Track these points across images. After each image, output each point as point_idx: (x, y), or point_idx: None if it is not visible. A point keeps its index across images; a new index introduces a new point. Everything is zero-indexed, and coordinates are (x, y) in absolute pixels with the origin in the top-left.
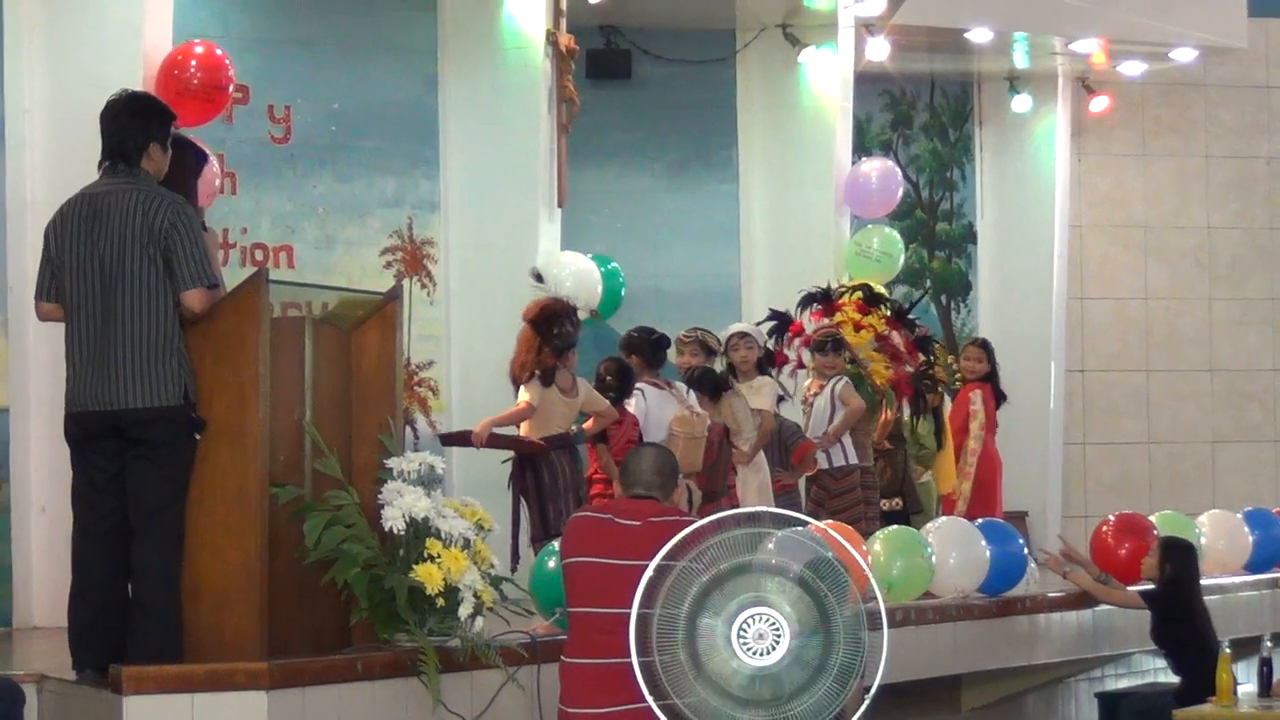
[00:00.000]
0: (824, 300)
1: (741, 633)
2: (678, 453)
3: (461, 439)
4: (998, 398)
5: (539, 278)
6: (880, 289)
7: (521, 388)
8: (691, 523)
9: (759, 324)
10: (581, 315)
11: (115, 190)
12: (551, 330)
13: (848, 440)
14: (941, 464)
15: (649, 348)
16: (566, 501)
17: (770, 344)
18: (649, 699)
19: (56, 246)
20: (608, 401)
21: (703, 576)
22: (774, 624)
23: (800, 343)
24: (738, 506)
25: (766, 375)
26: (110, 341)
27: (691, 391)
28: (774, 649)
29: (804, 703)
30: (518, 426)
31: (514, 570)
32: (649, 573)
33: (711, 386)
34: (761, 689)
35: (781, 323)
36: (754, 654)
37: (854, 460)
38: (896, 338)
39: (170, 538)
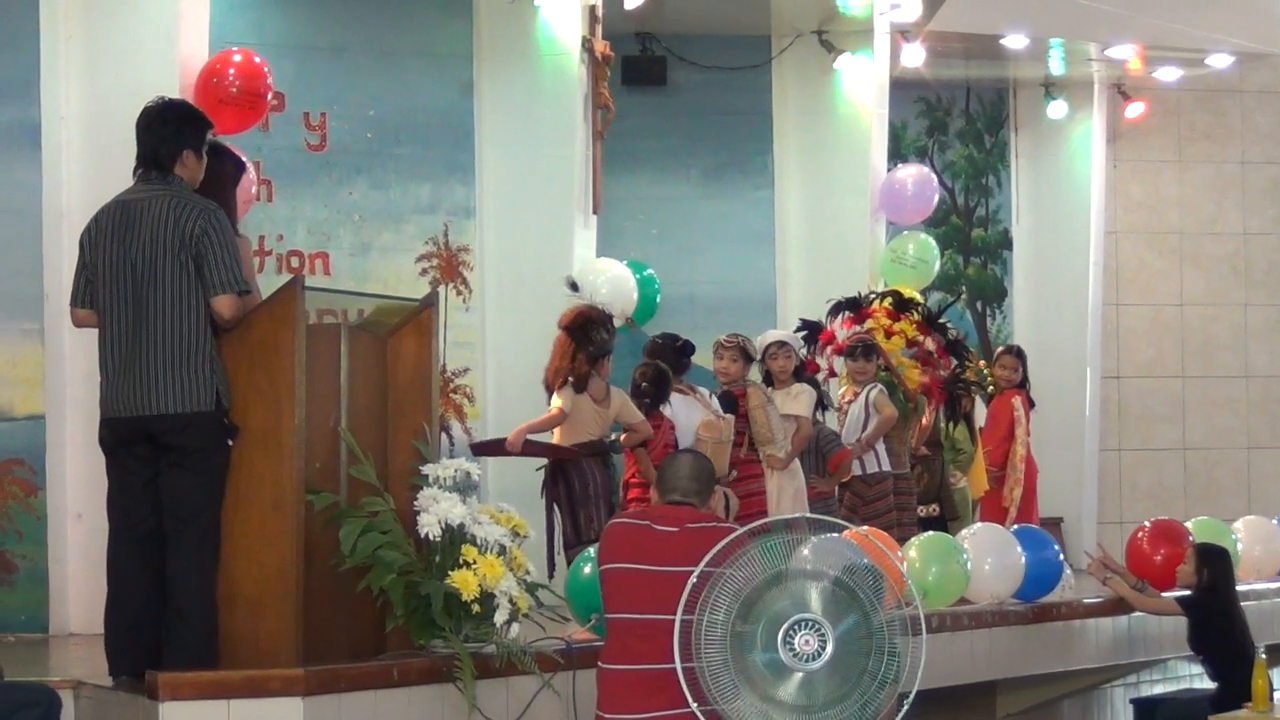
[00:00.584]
0: (853, 308)
1: (788, 638)
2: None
3: (495, 447)
4: (1029, 404)
5: (574, 287)
6: (912, 294)
7: (554, 394)
8: (729, 529)
9: (790, 334)
10: (617, 324)
11: (149, 197)
12: (587, 337)
13: (881, 448)
14: (972, 470)
15: (673, 354)
16: (598, 508)
17: (804, 353)
18: (693, 705)
19: (91, 252)
20: (642, 415)
21: (744, 583)
22: (819, 629)
23: (832, 350)
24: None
25: (805, 383)
26: (142, 347)
27: (715, 397)
28: (818, 655)
29: (844, 709)
30: (551, 433)
31: (550, 577)
32: (692, 580)
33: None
34: (803, 694)
35: (812, 331)
36: (800, 659)
37: (887, 468)
38: (929, 343)
39: (206, 544)
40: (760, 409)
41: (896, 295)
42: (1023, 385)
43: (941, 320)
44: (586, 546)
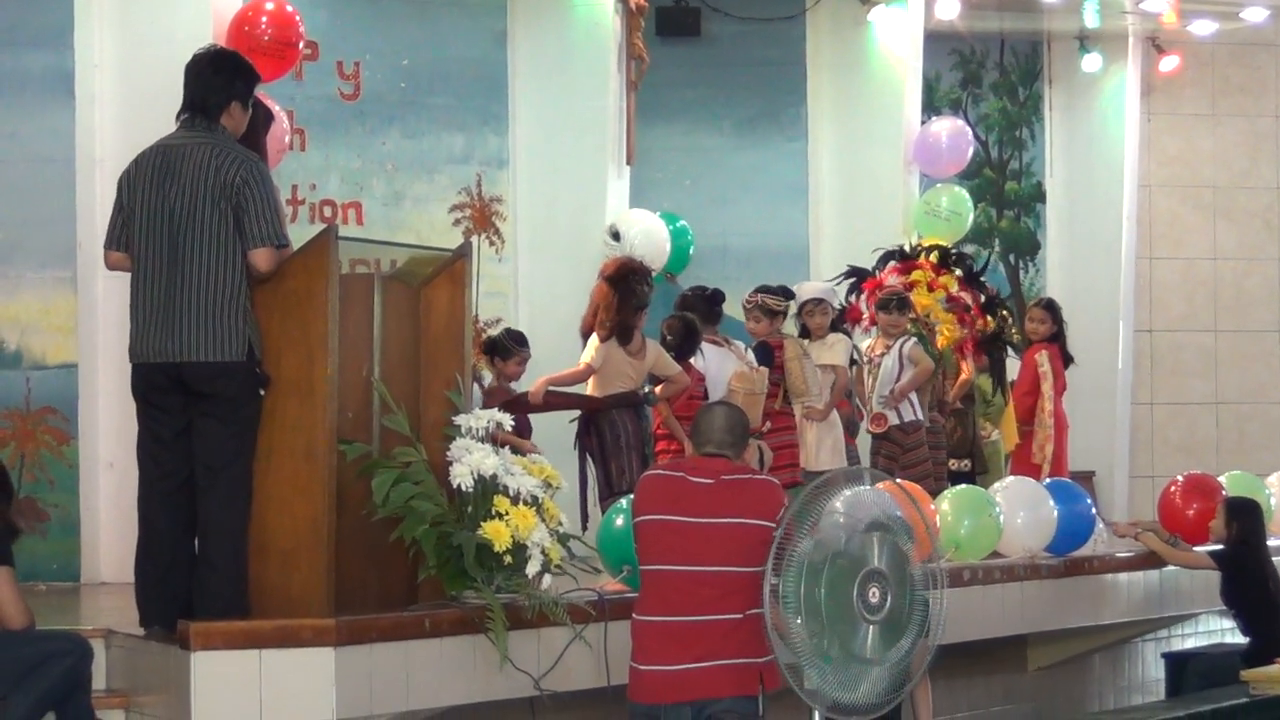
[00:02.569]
0: (903, 258)
1: (861, 591)
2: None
3: (519, 402)
4: (1065, 359)
5: (616, 236)
6: (957, 249)
7: (587, 346)
8: (765, 482)
9: (835, 279)
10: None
11: (191, 143)
12: (630, 288)
13: (915, 398)
14: (1004, 423)
15: (704, 304)
16: (629, 460)
17: (850, 299)
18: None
19: (129, 195)
20: (679, 367)
21: (811, 539)
22: (883, 581)
23: (870, 300)
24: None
25: (840, 333)
26: (176, 293)
27: (750, 350)
28: (882, 607)
29: (893, 658)
30: (586, 386)
31: (584, 529)
32: (777, 539)
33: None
34: (871, 647)
35: (860, 278)
36: (871, 612)
37: (921, 417)
38: (968, 299)
39: (237, 494)
40: (796, 360)
41: (942, 250)
42: (1056, 339)
43: (982, 279)
44: (619, 498)
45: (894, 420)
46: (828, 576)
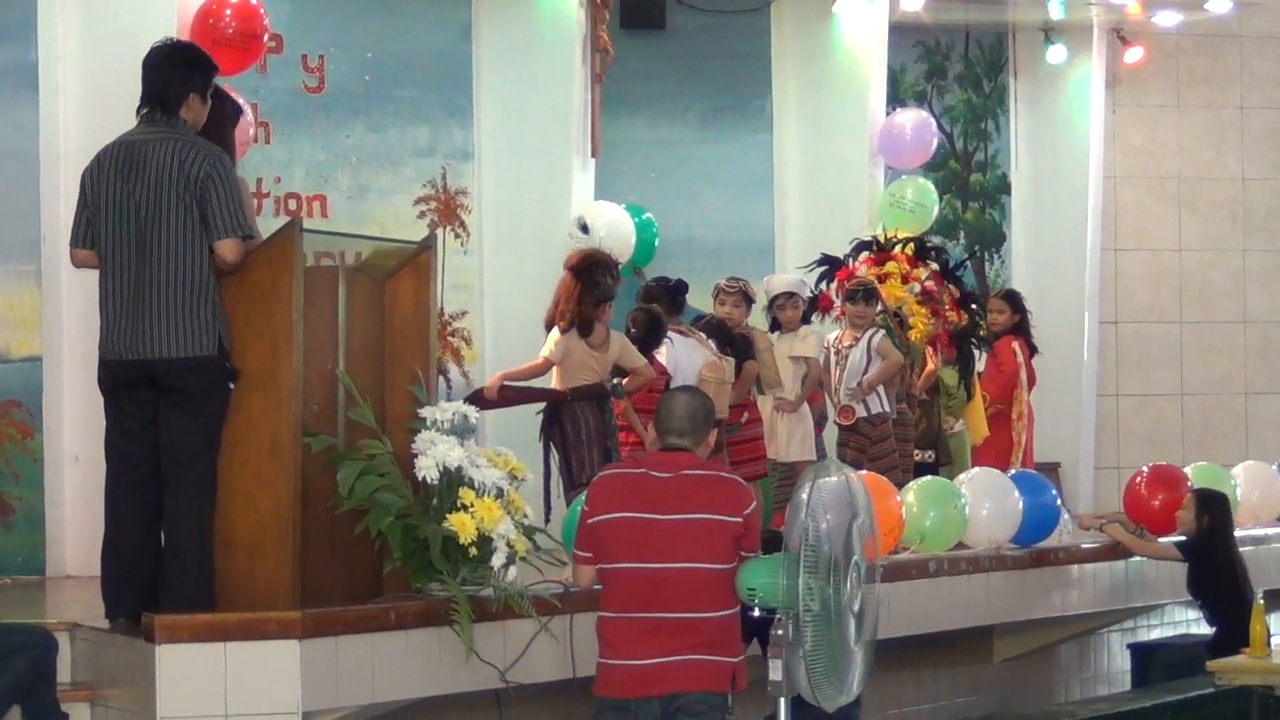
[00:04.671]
0: (878, 248)
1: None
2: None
3: (475, 398)
4: (1030, 350)
5: (585, 228)
6: (935, 242)
7: (547, 339)
8: (728, 480)
9: (808, 267)
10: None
11: (153, 139)
12: (593, 280)
13: (882, 389)
14: (971, 415)
15: (668, 295)
16: (590, 453)
17: (821, 287)
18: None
19: (93, 193)
20: (644, 359)
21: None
22: (858, 573)
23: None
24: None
25: (809, 324)
26: (144, 290)
27: (713, 340)
28: (856, 598)
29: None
30: (550, 377)
31: (547, 521)
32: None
33: (732, 347)
34: (852, 635)
35: (831, 267)
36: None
37: (888, 409)
38: (943, 292)
39: (203, 487)
40: (768, 352)
41: (918, 242)
42: (1020, 329)
43: (958, 274)
44: (581, 491)
45: (861, 412)
46: (833, 574)
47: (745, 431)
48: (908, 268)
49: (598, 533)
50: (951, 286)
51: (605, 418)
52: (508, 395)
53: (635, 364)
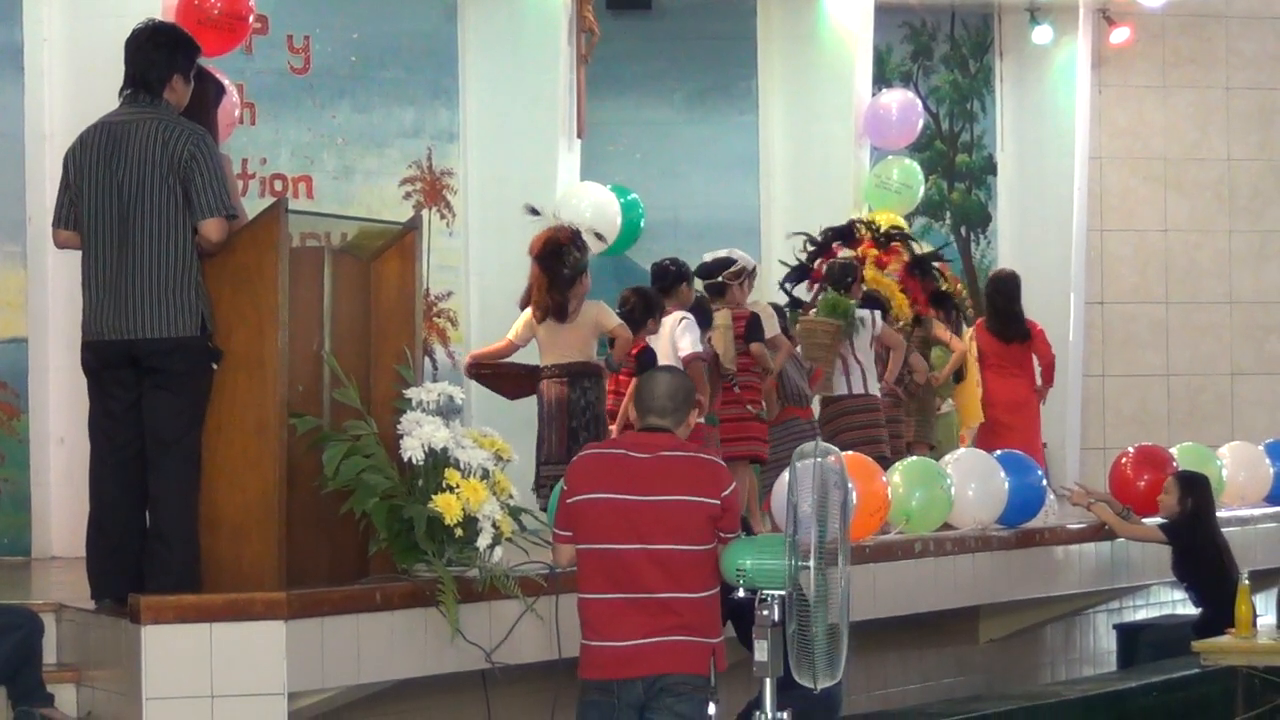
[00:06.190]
0: (848, 237)
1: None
2: (720, 349)
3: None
4: (1001, 336)
5: (534, 212)
6: (900, 224)
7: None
8: (706, 461)
9: (784, 280)
10: (593, 243)
11: (136, 119)
12: (560, 262)
13: (871, 370)
14: (967, 399)
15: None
16: (549, 431)
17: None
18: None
19: (75, 173)
20: (618, 320)
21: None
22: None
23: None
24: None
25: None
26: (127, 270)
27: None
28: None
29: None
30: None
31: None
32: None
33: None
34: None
35: (800, 277)
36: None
37: (873, 390)
38: (911, 286)
39: (188, 468)
40: (725, 329)
41: (888, 233)
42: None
43: (934, 266)
44: (544, 466)
45: (842, 389)
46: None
47: (735, 410)
48: (878, 253)
49: (577, 512)
50: (922, 280)
51: (573, 396)
52: (483, 374)
53: (610, 324)
